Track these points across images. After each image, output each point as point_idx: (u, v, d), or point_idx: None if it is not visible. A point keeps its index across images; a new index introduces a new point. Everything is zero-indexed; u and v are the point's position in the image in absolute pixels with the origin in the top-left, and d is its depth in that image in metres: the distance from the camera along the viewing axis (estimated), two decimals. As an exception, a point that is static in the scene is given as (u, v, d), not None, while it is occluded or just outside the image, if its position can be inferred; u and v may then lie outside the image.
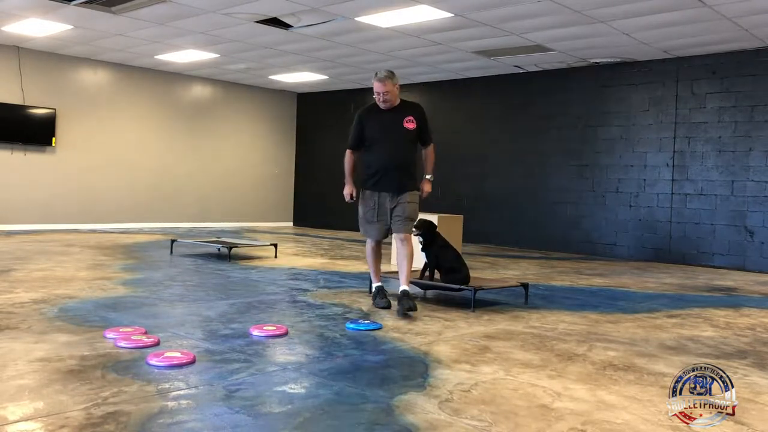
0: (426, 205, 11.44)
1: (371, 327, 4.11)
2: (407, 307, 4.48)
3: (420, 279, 5.25)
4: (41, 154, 10.90)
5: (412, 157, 4.84)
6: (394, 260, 7.83)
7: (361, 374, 3.11)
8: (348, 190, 4.93)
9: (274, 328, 3.91)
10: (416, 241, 5.29)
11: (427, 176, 4.94)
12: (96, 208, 11.55)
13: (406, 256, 4.74)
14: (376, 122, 4.80)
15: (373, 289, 4.98)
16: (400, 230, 4.78)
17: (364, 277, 6.30)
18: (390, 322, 4.34)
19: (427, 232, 5.17)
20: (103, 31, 9.21)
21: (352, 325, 4.11)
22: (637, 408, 2.74)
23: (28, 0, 7.83)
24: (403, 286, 4.66)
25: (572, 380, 3.11)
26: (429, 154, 4.97)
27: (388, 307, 4.75)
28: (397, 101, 4.81)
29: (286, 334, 3.85)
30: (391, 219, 4.80)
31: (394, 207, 4.78)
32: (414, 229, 5.23)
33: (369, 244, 4.97)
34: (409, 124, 4.76)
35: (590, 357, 3.59)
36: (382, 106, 4.78)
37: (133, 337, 3.53)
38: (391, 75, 4.71)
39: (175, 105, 12.53)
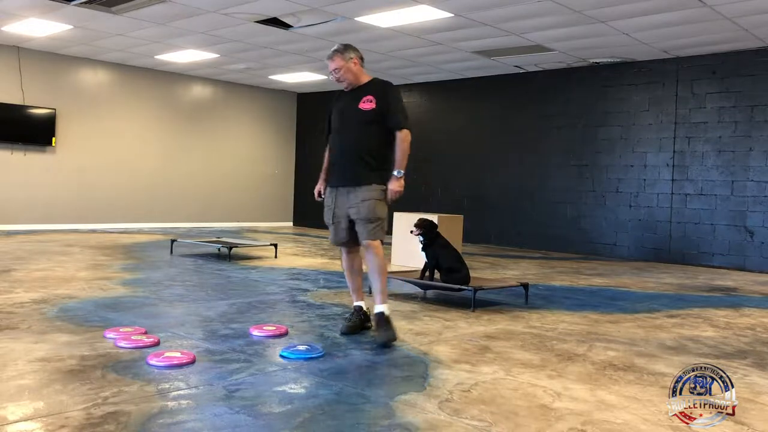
0: (426, 205, 11.54)
1: (308, 356, 3.34)
2: (385, 339, 3.67)
3: (420, 279, 5.25)
4: (41, 154, 10.90)
5: (372, 144, 3.87)
6: (393, 260, 7.82)
7: (361, 374, 3.11)
8: (317, 188, 4.13)
9: (274, 328, 3.91)
10: (416, 241, 5.30)
11: (394, 172, 3.84)
12: (96, 208, 11.55)
13: (374, 270, 3.86)
14: (338, 107, 4.07)
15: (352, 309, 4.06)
16: (360, 236, 3.88)
17: (364, 277, 6.29)
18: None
19: (428, 231, 5.17)
20: (103, 31, 9.20)
21: (286, 353, 3.38)
22: (637, 408, 2.74)
23: (28, 0, 7.83)
24: (378, 307, 3.80)
25: (572, 380, 3.11)
26: (398, 142, 3.86)
27: (346, 332, 3.90)
28: (362, 80, 4.01)
29: (286, 334, 3.85)
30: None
31: (350, 207, 3.89)
32: (414, 229, 5.21)
33: (341, 254, 4.15)
34: (366, 104, 3.88)
35: (590, 357, 3.59)
36: (343, 87, 4.05)
37: (133, 337, 3.53)
38: (341, 49, 3.95)
39: (175, 105, 12.53)
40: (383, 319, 3.76)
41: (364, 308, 4.05)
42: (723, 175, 8.69)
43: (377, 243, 3.86)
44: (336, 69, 3.97)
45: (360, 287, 4.12)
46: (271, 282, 5.94)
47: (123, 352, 3.32)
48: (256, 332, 3.82)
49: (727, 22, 7.34)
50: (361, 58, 4.06)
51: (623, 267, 8.39)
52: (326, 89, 13.54)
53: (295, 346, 3.49)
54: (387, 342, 3.66)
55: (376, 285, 3.86)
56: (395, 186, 3.82)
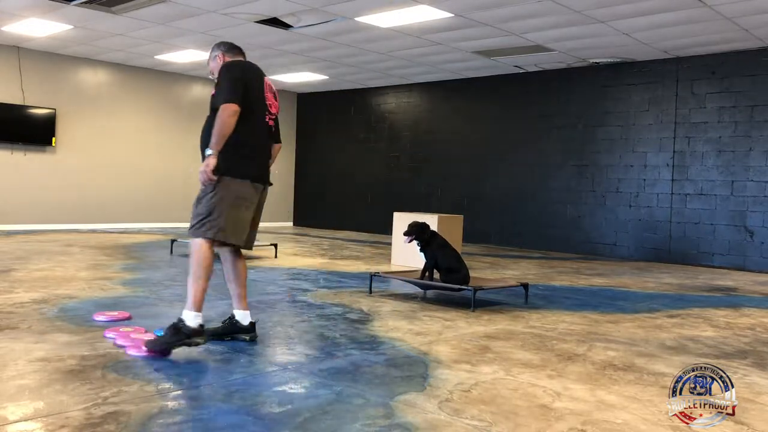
0: (426, 205, 11.54)
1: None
2: (152, 346, 3.27)
3: (420, 279, 5.25)
4: (41, 154, 10.90)
5: (208, 133, 3.54)
6: (393, 261, 7.83)
7: (361, 374, 3.11)
8: None
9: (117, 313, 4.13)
10: (414, 244, 5.31)
11: (206, 149, 3.41)
12: (96, 208, 11.55)
13: (188, 272, 3.41)
14: None
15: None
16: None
17: (363, 277, 6.30)
18: (390, 321, 4.34)
19: (420, 234, 5.17)
20: (103, 31, 9.20)
21: (160, 331, 3.48)
22: (637, 408, 2.74)
23: (28, 0, 7.83)
24: (183, 312, 3.32)
25: (572, 380, 3.11)
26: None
27: (210, 336, 3.60)
28: None
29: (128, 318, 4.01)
30: None
31: None
32: (405, 237, 5.22)
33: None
34: (213, 90, 3.72)
35: (590, 357, 3.59)
36: None
37: (133, 337, 3.53)
38: (211, 50, 3.84)
39: (175, 105, 12.53)
40: (171, 327, 3.27)
41: (236, 317, 3.73)
42: (723, 175, 8.69)
43: (198, 241, 3.38)
44: (211, 72, 3.82)
45: (237, 294, 3.76)
46: (271, 282, 5.94)
47: (123, 352, 3.32)
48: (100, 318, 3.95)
49: (727, 22, 7.34)
50: (232, 49, 3.84)
51: (623, 267, 8.39)
52: (327, 89, 13.53)
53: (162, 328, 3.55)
54: (153, 350, 3.25)
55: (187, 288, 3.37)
56: (202, 166, 3.37)
